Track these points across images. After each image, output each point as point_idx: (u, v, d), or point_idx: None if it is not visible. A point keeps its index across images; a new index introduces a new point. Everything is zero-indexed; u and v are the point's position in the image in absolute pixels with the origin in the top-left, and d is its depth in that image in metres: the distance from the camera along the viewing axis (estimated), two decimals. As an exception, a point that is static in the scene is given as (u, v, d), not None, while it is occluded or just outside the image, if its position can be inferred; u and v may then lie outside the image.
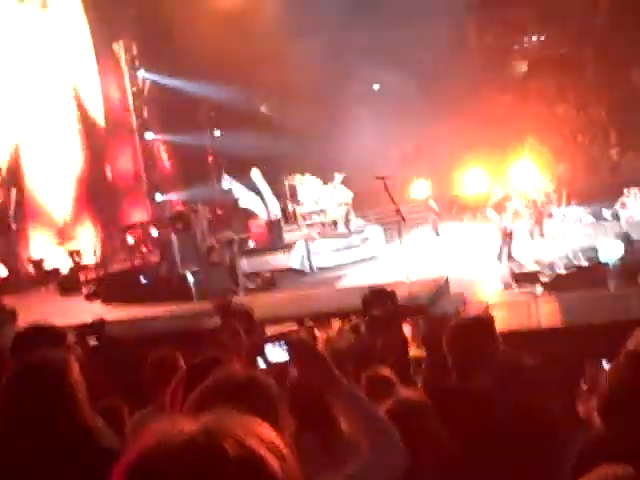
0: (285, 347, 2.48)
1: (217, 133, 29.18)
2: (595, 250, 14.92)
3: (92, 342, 9.57)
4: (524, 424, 3.69)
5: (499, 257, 16.23)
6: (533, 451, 3.58)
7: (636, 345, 3.18)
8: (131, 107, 29.33)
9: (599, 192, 21.63)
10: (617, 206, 20.87)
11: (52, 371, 2.79)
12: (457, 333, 3.88)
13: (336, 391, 2.39)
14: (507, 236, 16.71)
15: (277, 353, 2.51)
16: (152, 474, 1.19)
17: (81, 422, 2.74)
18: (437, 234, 21.91)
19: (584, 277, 13.65)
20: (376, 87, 31.69)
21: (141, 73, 29.28)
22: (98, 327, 11.55)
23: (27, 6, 25.33)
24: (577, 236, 18.32)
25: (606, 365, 4.46)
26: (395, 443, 2.37)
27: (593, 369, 4.57)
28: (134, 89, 29.37)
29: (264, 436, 1.27)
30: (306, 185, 22.17)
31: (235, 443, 1.21)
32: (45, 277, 22.23)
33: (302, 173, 22.35)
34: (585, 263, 14.24)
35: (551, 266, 14.51)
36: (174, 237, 18.90)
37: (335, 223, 21.49)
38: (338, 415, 2.47)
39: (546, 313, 11.18)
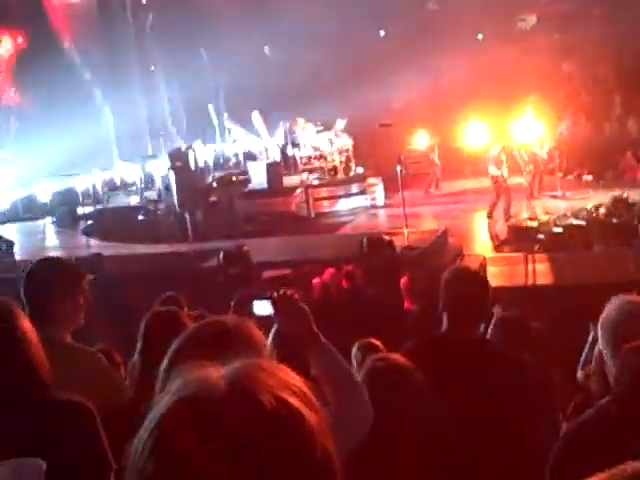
0: (270, 302, 2.63)
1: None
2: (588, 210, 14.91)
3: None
4: (521, 381, 3.74)
5: (503, 213, 16.21)
6: (528, 415, 3.61)
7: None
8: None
9: (600, 153, 21.57)
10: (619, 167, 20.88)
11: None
12: (451, 282, 3.94)
13: (312, 346, 2.54)
14: (506, 191, 16.67)
15: (264, 307, 2.66)
16: (186, 435, 1.11)
17: (33, 373, 2.57)
18: (437, 186, 21.88)
19: (581, 237, 13.71)
20: (382, 33, 31.32)
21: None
22: (96, 263, 11.61)
23: None
24: (576, 195, 18.32)
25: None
26: (361, 399, 2.49)
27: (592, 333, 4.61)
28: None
29: (297, 388, 1.20)
30: (307, 130, 22.02)
31: (271, 397, 1.14)
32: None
33: (303, 118, 22.17)
34: (583, 223, 14.24)
35: (549, 224, 14.52)
36: (172, 175, 18.78)
37: (335, 169, 21.42)
38: (313, 369, 2.57)
39: (541, 271, 11.30)
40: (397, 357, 3.37)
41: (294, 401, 1.16)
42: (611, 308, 2.78)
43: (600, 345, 2.81)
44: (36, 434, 2.49)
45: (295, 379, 1.22)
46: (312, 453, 1.15)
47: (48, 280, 3.59)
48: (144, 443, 1.14)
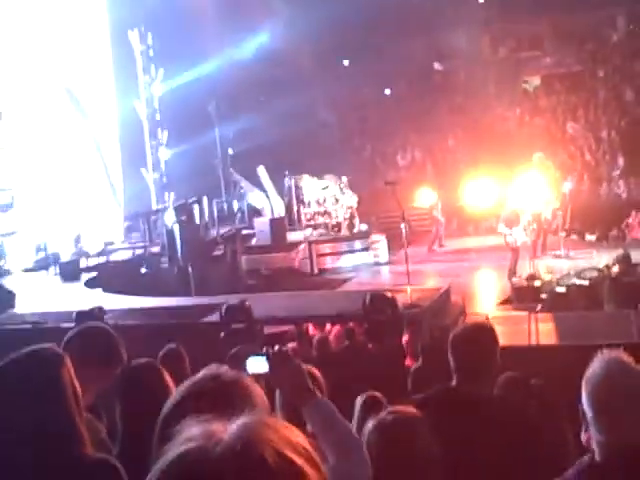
0: (265, 359, 2.60)
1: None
2: (595, 270, 14.85)
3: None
4: (530, 436, 3.71)
5: (508, 271, 16.15)
6: (537, 467, 3.57)
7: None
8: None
9: (603, 213, 21.64)
10: (623, 226, 20.91)
11: (44, 367, 2.55)
12: (464, 336, 3.97)
13: (308, 402, 2.53)
14: (514, 251, 16.63)
15: (258, 364, 2.63)
16: None
17: (69, 426, 2.54)
18: (441, 244, 21.92)
19: (584, 297, 13.65)
20: (387, 92, 31.71)
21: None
22: (97, 315, 11.58)
23: None
24: (579, 255, 18.31)
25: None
26: (359, 456, 2.47)
27: None
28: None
29: (299, 444, 1.22)
30: (312, 186, 22.16)
31: (274, 453, 1.16)
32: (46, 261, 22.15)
33: (308, 174, 22.34)
34: (586, 283, 14.20)
35: (551, 284, 14.49)
36: (177, 228, 18.87)
37: (339, 226, 21.50)
38: (309, 426, 2.56)
39: (544, 331, 11.23)
40: (408, 410, 3.33)
41: (296, 458, 1.19)
42: (596, 365, 2.65)
43: (583, 402, 2.68)
44: None
45: (298, 436, 1.25)
46: None
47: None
48: None
